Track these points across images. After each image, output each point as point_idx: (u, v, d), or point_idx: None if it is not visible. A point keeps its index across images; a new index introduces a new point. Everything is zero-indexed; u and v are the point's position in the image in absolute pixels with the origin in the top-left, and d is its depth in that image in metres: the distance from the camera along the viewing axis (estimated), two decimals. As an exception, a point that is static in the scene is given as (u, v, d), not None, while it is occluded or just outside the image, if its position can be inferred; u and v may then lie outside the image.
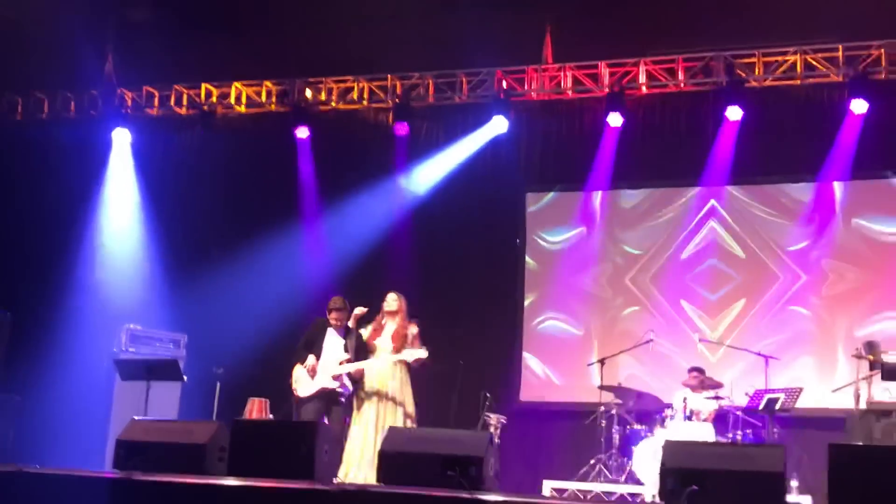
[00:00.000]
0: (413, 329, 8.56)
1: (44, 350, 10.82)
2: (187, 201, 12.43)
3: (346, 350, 8.66)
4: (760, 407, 9.01)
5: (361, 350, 8.66)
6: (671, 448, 5.87)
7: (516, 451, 11.53)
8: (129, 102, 13.41)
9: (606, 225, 12.10)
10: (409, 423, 8.31)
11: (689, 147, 11.72)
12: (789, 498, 9.35)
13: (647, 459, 9.36)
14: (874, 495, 5.31)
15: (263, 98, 13.15)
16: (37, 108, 13.61)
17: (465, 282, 12.15)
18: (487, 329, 12.05)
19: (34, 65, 12.95)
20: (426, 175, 12.35)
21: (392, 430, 6.86)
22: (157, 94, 13.44)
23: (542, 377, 11.95)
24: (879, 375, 8.15)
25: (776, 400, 8.81)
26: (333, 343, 8.78)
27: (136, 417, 6.74)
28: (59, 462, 7.40)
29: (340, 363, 8.56)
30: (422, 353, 8.32)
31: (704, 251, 11.68)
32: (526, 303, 12.16)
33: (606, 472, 9.90)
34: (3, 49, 12.17)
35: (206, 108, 13.03)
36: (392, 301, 8.62)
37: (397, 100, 12.48)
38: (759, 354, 10.03)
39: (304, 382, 8.60)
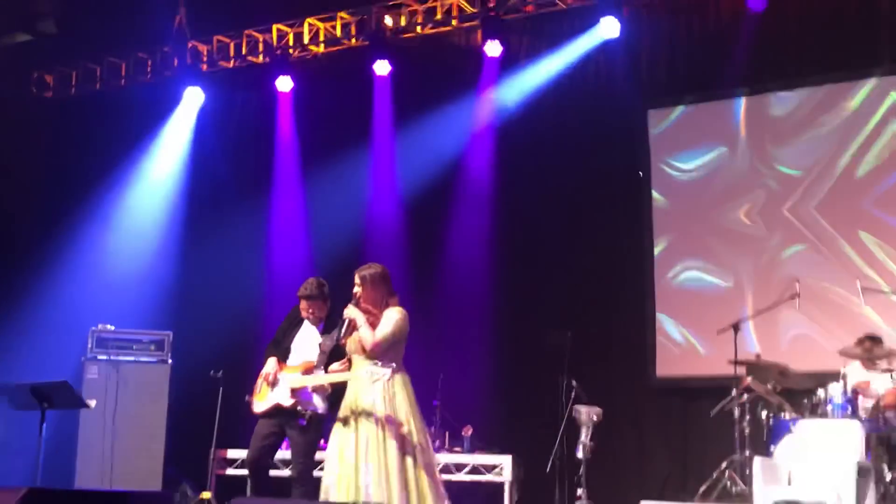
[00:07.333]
0: (393, 313, 5.77)
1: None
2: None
3: (322, 351, 6.01)
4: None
5: (336, 352, 5.98)
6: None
7: (627, 450, 9.07)
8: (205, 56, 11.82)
9: (754, 140, 9.31)
10: (405, 453, 5.68)
11: (856, 26, 8.77)
12: None
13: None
14: None
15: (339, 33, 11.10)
16: (113, 74, 12.23)
17: (574, 230, 9.73)
18: (607, 288, 9.57)
19: (108, 27, 11.68)
20: (517, 95, 9.99)
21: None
22: (231, 42, 11.73)
23: (683, 344, 9.36)
24: None
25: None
26: (305, 341, 6.33)
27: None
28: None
29: (304, 371, 6.11)
30: (382, 372, 5.58)
31: (889, 163, 8.71)
32: (656, 251, 9.57)
33: (738, 485, 7.23)
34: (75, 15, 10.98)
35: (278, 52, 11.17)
36: (356, 284, 5.83)
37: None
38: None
39: (262, 393, 6.30)
